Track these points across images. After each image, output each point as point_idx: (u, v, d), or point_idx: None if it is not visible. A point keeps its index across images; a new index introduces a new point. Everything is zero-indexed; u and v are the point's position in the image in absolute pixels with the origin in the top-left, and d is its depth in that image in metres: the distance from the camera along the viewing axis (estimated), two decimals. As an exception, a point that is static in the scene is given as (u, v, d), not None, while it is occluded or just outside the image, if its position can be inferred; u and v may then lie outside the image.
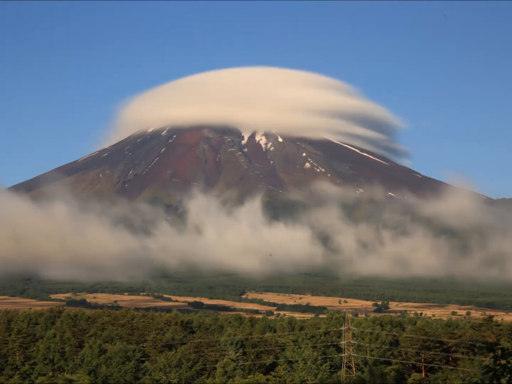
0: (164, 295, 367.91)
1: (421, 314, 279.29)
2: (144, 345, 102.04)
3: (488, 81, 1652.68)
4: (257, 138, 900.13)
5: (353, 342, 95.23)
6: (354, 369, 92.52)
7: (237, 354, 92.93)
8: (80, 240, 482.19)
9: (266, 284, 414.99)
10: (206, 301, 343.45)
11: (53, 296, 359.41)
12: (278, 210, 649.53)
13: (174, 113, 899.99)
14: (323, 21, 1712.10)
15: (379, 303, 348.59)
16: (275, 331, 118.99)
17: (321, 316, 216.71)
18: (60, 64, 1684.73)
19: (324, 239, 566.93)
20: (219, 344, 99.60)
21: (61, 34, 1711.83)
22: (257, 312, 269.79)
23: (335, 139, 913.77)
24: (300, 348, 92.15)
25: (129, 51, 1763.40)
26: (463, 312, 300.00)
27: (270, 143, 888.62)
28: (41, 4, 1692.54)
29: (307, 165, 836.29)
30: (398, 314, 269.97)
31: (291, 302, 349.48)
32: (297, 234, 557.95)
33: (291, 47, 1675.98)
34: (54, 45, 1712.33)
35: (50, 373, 79.73)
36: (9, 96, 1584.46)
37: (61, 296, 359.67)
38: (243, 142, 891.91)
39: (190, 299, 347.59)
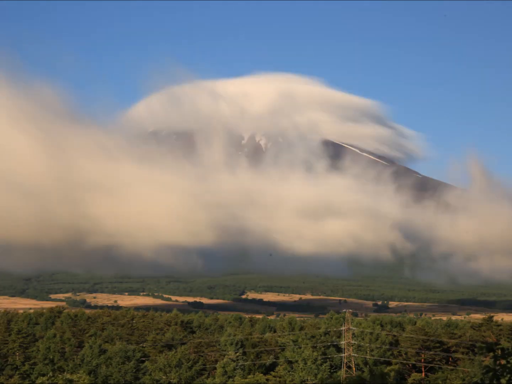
0: (164, 295, 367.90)
1: (421, 314, 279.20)
2: (144, 345, 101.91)
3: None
4: (257, 138, 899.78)
5: (353, 342, 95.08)
6: (354, 369, 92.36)
7: (237, 354, 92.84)
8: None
9: (266, 284, 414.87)
10: (206, 301, 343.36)
11: (53, 296, 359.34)
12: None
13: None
14: (322, 21, 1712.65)
15: (379, 303, 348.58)
16: (275, 331, 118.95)
17: (321, 316, 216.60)
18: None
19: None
20: (219, 344, 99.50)
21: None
22: (257, 312, 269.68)
23: (335, 139, 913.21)
24: (300, 348, 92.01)
25: (132, 55, 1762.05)
26: (463, 312, 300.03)
27: (270, 143, 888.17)
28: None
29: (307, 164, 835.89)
30: (398, 314, 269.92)
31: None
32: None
33: (293, 51, 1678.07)
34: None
35: (50, 373, 79.48)
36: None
37: (61, 296, 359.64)
38: (243, 142, 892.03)
39: (190, 299, 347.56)
